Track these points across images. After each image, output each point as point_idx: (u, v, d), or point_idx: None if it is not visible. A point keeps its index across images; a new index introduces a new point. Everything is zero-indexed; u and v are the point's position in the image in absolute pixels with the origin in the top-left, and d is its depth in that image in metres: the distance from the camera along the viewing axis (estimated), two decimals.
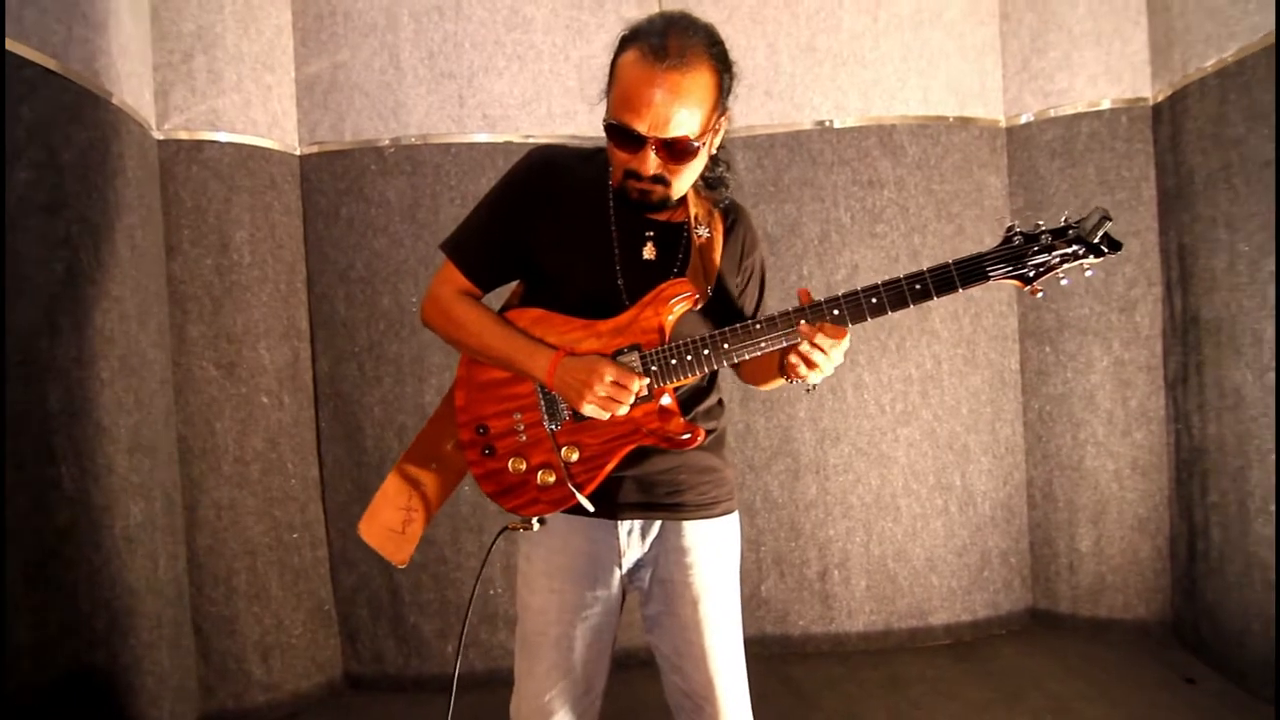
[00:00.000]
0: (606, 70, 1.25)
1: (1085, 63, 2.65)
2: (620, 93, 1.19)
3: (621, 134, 1.20)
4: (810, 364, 1.21)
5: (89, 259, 1.92)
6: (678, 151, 1.21)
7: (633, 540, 1.37)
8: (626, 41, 1.22)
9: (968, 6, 2.75)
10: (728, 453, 1.46)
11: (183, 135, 2.40)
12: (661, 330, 1.27)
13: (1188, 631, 2.58)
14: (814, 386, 1.28)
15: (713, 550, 1.38)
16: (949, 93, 2.74)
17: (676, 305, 1.27)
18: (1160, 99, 2.57)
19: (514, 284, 1.45)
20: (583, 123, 2.66)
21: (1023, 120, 2.75)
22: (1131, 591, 2.70)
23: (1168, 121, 2.53)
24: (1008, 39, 2.77)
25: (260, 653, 2.46)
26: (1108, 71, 2.63)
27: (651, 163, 1.21)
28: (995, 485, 2.82)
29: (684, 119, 1.18)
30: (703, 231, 1.35)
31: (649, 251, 1.32)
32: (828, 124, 2.71)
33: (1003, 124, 2.80)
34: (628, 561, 1.37)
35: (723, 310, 1.37)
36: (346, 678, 2.67)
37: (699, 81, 1.18)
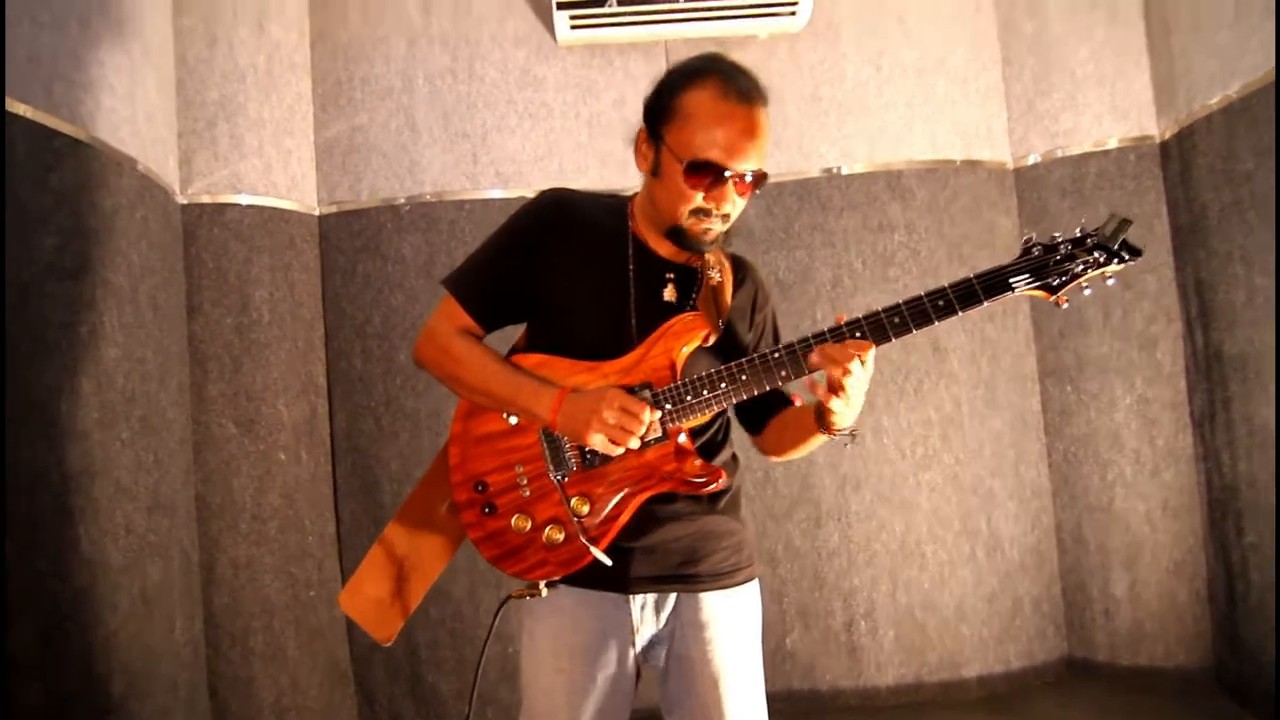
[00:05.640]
0: (654, 110, 1.23)
1: (1090, 103, 2.67)
2: (700, 129, 1.17)
3: (704, 170, 1.17)
4: (838, 387, 1.13)
5: (112, 321, 1.96)
6: (756, 185, 1.21)
7: (646, 615, 1.27)
8: (691, 78, 1.20)
9: (969, 53, 2.80)
10: (745, 511, 1.38)
11: (205, 199, 2.47)
12: (673, 367, 1.22)
13: (1231, 678, 2.47)
14: (854, 436, 1.21)
15: (733, 623, 1.28)
16: (955, 136, 2.77)
17: (688, 339, 1.23)
18: (1167, 136, 2.58)
19: (516, 331, 1.40)
20: (594, 177, 2.71)
21: (1030, 161, 2.77)
22: (1171, 638, 2.60)
23: (1176, 158, 2.53)
24: (1011, 82, 2.81)
25: (276, 714, 2.42)
26: (1113, 111, 2.65)
27: (732, 198, 1.20)
28: (1023, 530, 2.75)
29: (762, 154, 1.20)
30: (715, 275, 1.33)
31: (669, 293, 1.28)
32: (835, 171, 2.74)
33: (1010, 165, 2.81)
34: (641, 639, 1.27)
35: (735, 358, 1.35)
36: None
37: (768, 119, 1.20)
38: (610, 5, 2.55)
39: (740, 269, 1.40)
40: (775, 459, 1.42)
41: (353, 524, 2.64)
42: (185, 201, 2.45)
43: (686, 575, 1.26)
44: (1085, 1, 2.67)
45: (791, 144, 2.75)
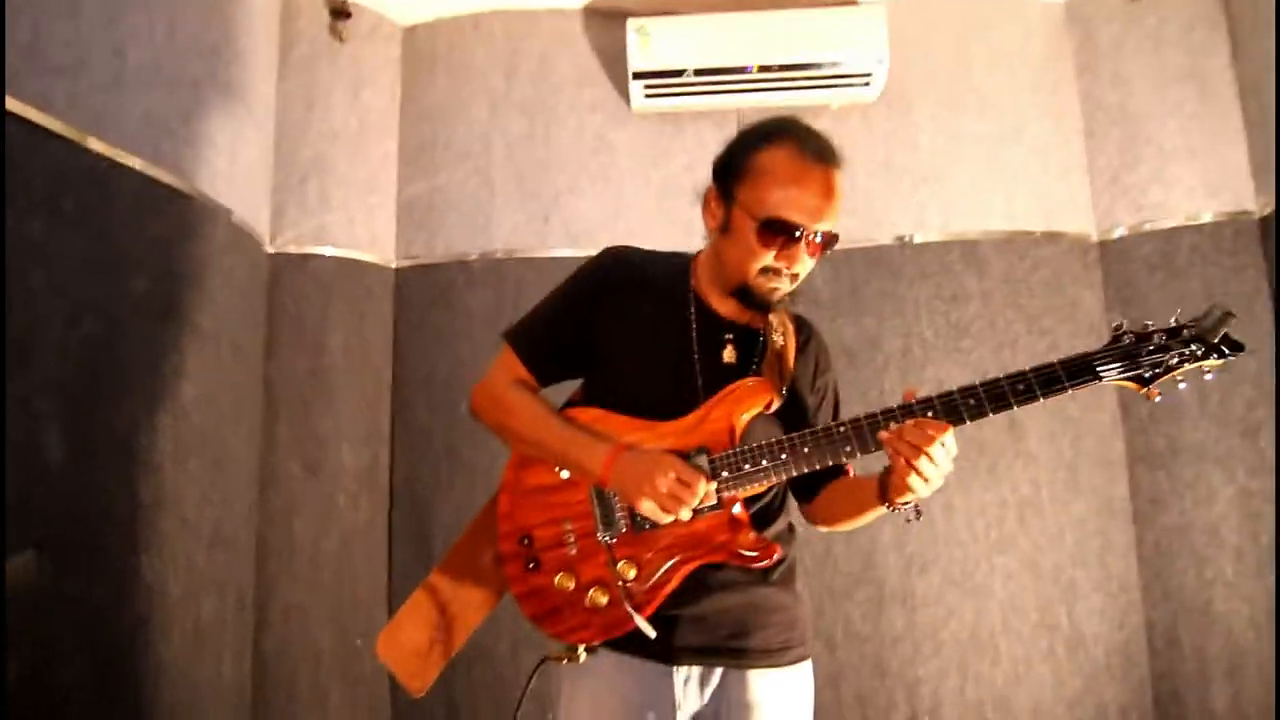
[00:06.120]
0: (729, 167, 1.24)
1: (1180, 177, 2.56)
2: (775, 186, 1.17)
3: (780, 229, 1.17)
4: (914, 471, 1.07)
5: (193, 361, 2.05)
6: (827, 246, 1.21)
7: (690, 690, 1.21)
8: (767, 137, 1.21)
9: (1049, 124, 2.74)
10: (800, 585, 1.31)
11: (292, 249, 2.60)
12: (732, 432, 1.19)
13: None
14: (919, 513, 1.14)
15: (782, 707, 1.22)
16: (1034, 207, 2.69)
17: (750, 405, 1.20)
18: (1267, 212, 2.44)
19: (574, 384, 1.40)
20: (661, 238, 2.70)
21: (1116, 234, 2.66)
22: None
23: (1276, 235, 2.39)
24: (1094, 154, 2.72)
25: None
26: (1205, 185, 2.53)
27: (803, 258, 1.19)
28: (1109, 627, 2.53)
29: (835, 215, 1.20)
30: (778, 338, 1.30)
31: (729, 354, 1.27)
32: (907, 239, 2.69)
33: (1094, 238, 2.70)
34: (684, 715, 1.21)
35: (795, 424, 1.27)
36: None
37: (841, 181, 1.20)
38: (687, 75, 2.62)
39: (803, 330, 1.37)
40: (825, 529, 1.36)
41: (404, 573, 2.63)
42: (273, 251, 2.58)
43: (735, 649, 1.21)
44: (1173, 74, 2.60)
45: (862, 211, 2.72)
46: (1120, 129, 2.67)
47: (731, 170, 1.23)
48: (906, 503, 1.14)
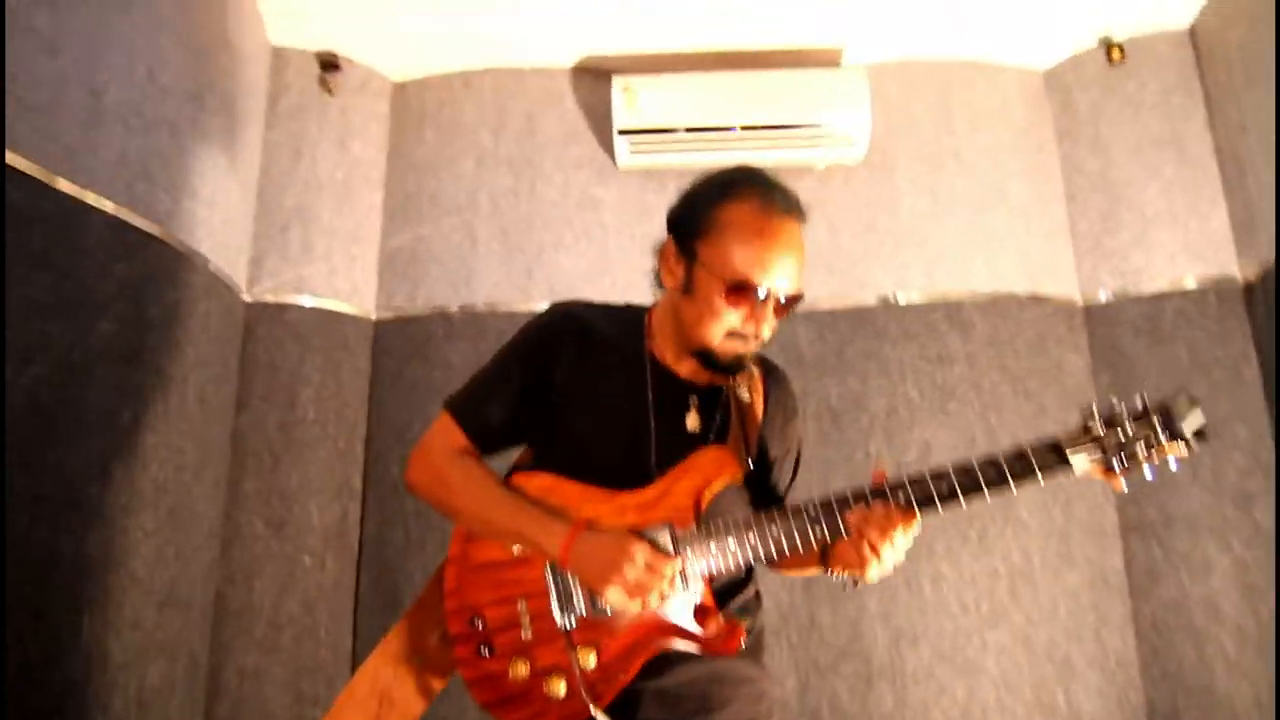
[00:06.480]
0: (689, 223, 1.16)
1: (1162, 242, 2.57)
2: (740, 244, 1.10)
3: (747, 290, 1.10)
4: (874, 552, 1.05)
5: (155, 410, 1.98)
6: (792, 306, 1.13)
7: None
8: (727, 190, 1.14)
9: (1030, 187, 2.76)
10: (768, 657, 1.25)
11: (269, 298, 2.56)
12: (697, 508, 1.12)
13: None
14: (856, 583, 1.11)
15: None
16: (1018, 269, 2.68)
17: (718, 480, 1.13)
18: (1251, 278, 2.43)
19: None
20: (643, 293, 2.70)
21: (1101, 298, 2.65)
22: None
23: (1262, 301, 2.37)
24: (1076, 218, 2.73)
25: None
26: (1187, 250, 2.53)
27: (772, 320, 1.12)
28: (1108, 708, 2.40)
29: (802, 273, 1.13)
30: (744, 393, 1.24)
31: (692, 421, 1.19)
32: (892, 299, 2.67)
33: (1079, 302, 2.69)
34: None
35: (760, 480, 1.23)
36: None
37: (804, 236, 1.15)
38: (672, 133, 2.64)
39: (769, 376, 1.30)
40: (771, 571, 1.30)
41: (369, 639, 2.50)
42: (250, 300, 2.54)
43: None
44: (1152, 139, 2.63)
45: (845, 271, 2.70)
46: (1101, 193, 2.68)
47: (692, 225, 1.15)
48: (858, 576, 1.11)
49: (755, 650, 1.20)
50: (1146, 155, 2.62)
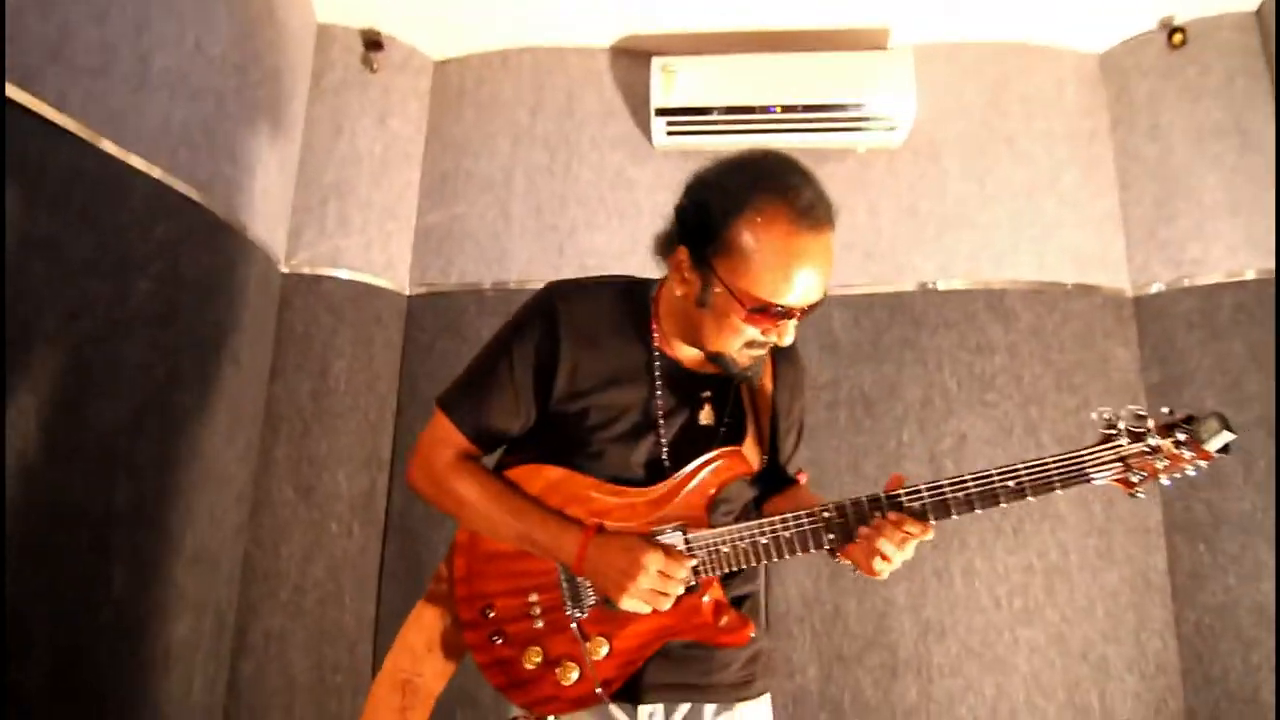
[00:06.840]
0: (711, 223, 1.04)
1: (1220, 233, 2.45)
2: (767, 269, 1.00)
3: (769, 310, 1.02)
4: (884, 559, 1.05)
5: (189, 370, 2.02)
6: (814, 309, 1.07)
7: None
8: (750, 202, 1.01)
9: (1082, 176, 2.66)
10: (790, 645, 1.26)
11: (305, 270, 2.60)
12: (710, 507, 1.12)
13: None
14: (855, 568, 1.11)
15: None
16: (1066, 259, 2.59)
17: (732, 478, 1.12)
18: None
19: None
20: None
21: (1153, 290, 2.54)
22: None
23: None
24: (1130, 208, 2.63)
25: None
26: (1248, 241, 2.42)
27: (792, 330, 1.07)
28: (1145, 713, 2.31)
29: (828, 277, 1.06)
30: (755, 381, 1.19)
31: (706, 415, 1.16)
32: (931, 286, 2.60)
33: (1129, 293, 2.59)
34: None
35: (770, 459, 1.23)
36: None
37: (834, 239, 1.07)
38: (709, 114, 2.61)
39: (777, 351, 1.23)
40: None
41: (392, 606, 2.53)
42: (287, 270, 2.58)
43: (703, 684, 1.16)
44: (1213, 126, 2.51)
45: (885, 256, 2.64)
46: (1157, 182, 2.58)
47: (709, 240, 1.03)
48: (869, 572, 1.10)
49: (753, 612, 1.22)
50: (1207, 143, 2.51)
